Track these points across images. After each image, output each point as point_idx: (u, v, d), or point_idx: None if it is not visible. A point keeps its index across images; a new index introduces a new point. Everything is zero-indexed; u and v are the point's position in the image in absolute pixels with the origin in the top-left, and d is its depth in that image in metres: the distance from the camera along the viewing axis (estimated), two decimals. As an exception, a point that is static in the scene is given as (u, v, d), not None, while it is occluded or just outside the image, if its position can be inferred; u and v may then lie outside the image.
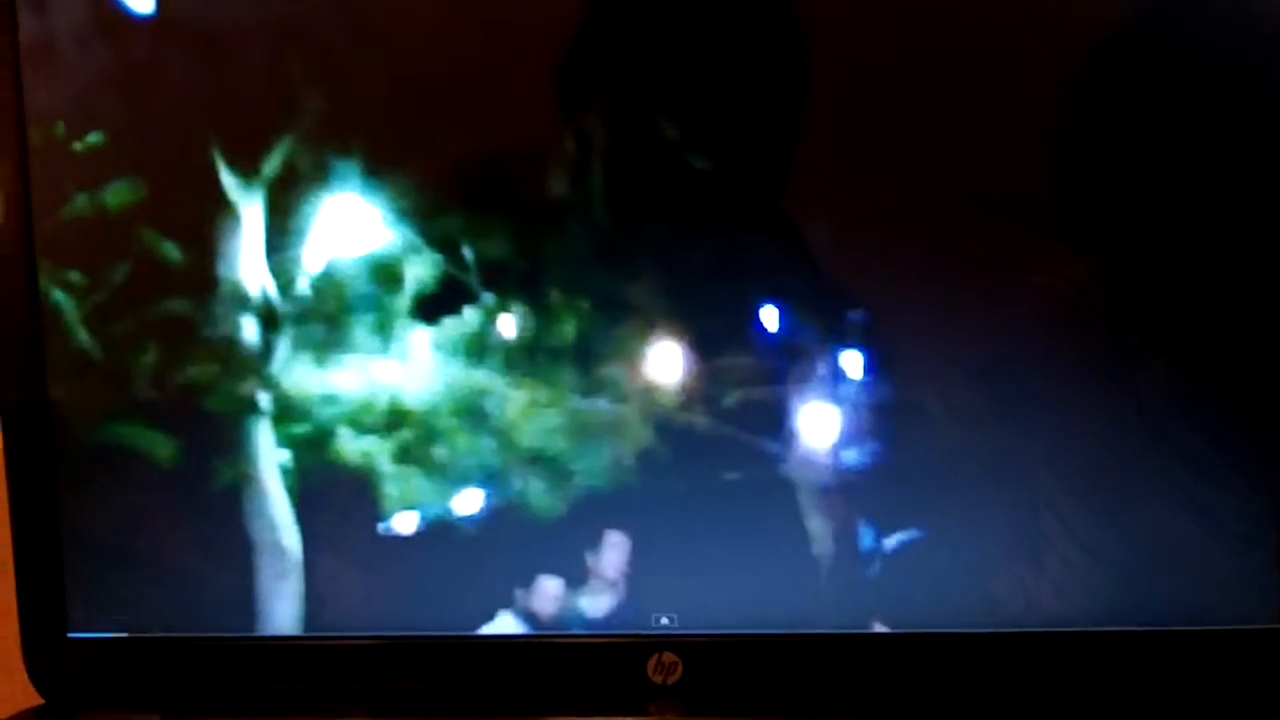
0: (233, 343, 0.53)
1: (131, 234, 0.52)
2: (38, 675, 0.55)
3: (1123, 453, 0.53)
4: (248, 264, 0.52)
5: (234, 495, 0.53)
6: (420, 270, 0.52)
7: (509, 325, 0.52)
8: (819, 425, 0.53)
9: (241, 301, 0.52)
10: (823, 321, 0.53)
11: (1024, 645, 0.54)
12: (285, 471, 0.53)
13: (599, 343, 0.52)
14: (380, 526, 0.54)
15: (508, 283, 0.52)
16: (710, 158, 0.52)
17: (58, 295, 0.52)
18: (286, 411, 0.53)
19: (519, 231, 0.52)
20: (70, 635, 0.54)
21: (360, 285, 0.52)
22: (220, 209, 0.52)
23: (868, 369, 0.53)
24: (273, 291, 0.53)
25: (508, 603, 0.54)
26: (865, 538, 0.54)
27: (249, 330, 0.53)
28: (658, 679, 0.54)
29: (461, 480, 0.53)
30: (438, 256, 0.52)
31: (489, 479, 0.53)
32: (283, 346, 0.53)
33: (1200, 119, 0.51)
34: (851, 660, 0.54)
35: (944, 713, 0.54)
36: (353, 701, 0.55)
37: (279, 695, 0.55)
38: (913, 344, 0.53)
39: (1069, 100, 0.51)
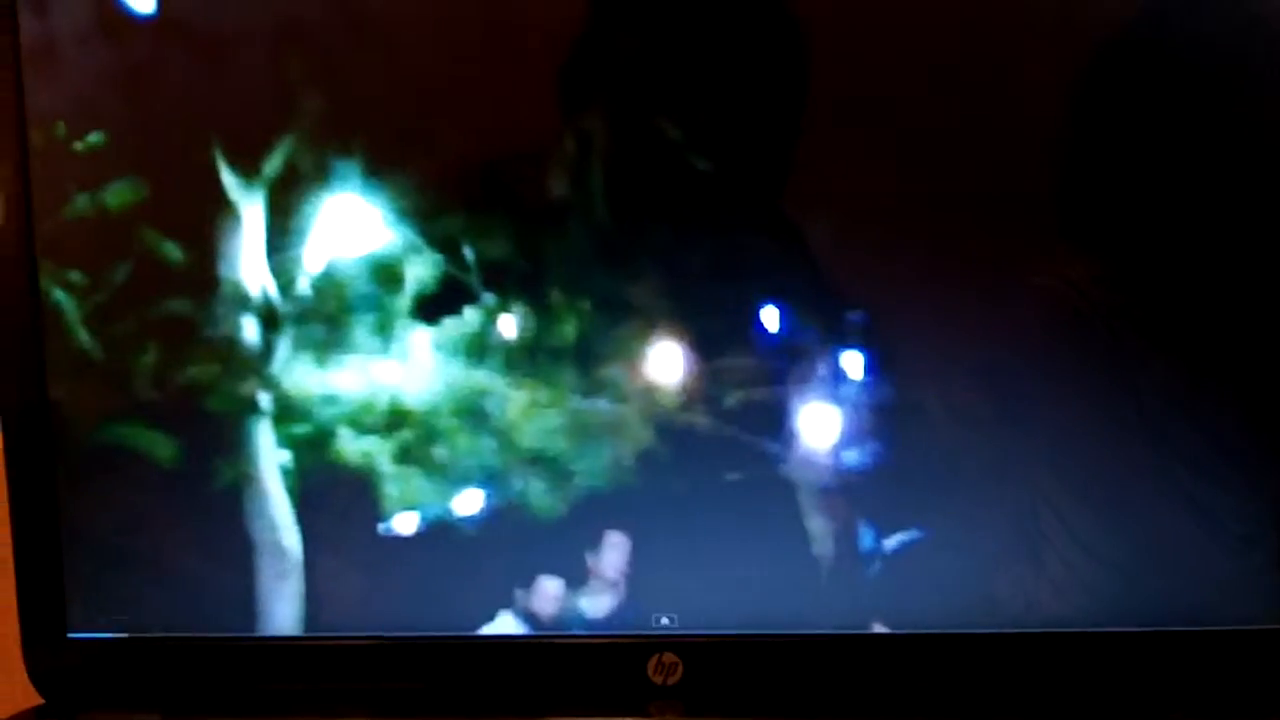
0: (233, 343, 0.53)
1: (132, 234, 0.52)
2: (38, 675, 0.55)
3: (1123, 453, 0.53)
4: (248, 264, 0.53)
5: (234, 495, 0.54)
6: (421, 270, 0.52)
7: (509, 325, 0.53)
8: (819, 426, 0.53)
9: (242, 301, 0.53)
10: (823, 322, 0.53)
11: (1024, 646, 0.54)
12: (285, 472, 0.53)
13: (599, 343, 0.53)
14: (380, 527, 0.54)
15: (508, 283, 0.53)
16: (711, 158, 0.52)
17: (58, 295, 0.53)
18: (287, 412, 0.53)
19: (520, 232, 0.52)
20: (70, 635, 0.55)
21: (361, 285, 0.53)
22: (221, 209, 0.52)
23: (868, 369, 0.53)
24: (273, 291, 0.53)
25: (508, 603, 0.54)
26: (865, 538, 0.54)
27: (249, 330, 0.53)
28: (658, 679, 0.54)
29: (462, 480, 0.54)
30: (438, 257, 0.52)
31: (489, 479, 0.54)
32: (283, 347, 0.53)
33: (1201, 120, 0.52)
34: (851, 661, 0.54)
35: (944, 714, 0.54)
36: (353, 702, 0.55)
37: (279, 695, 0.55)
38: (913, 344, 0.53)
39: (1069, 100, 0.52)
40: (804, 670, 0.54)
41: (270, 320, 0.53)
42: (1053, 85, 0.52)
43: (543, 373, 0.53)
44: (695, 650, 0.54)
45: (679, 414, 0.53)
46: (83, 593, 0.54)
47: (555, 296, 0.52)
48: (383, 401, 0.53)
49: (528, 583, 0.54)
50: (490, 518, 0.54)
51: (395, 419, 0.53)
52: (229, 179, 0.52)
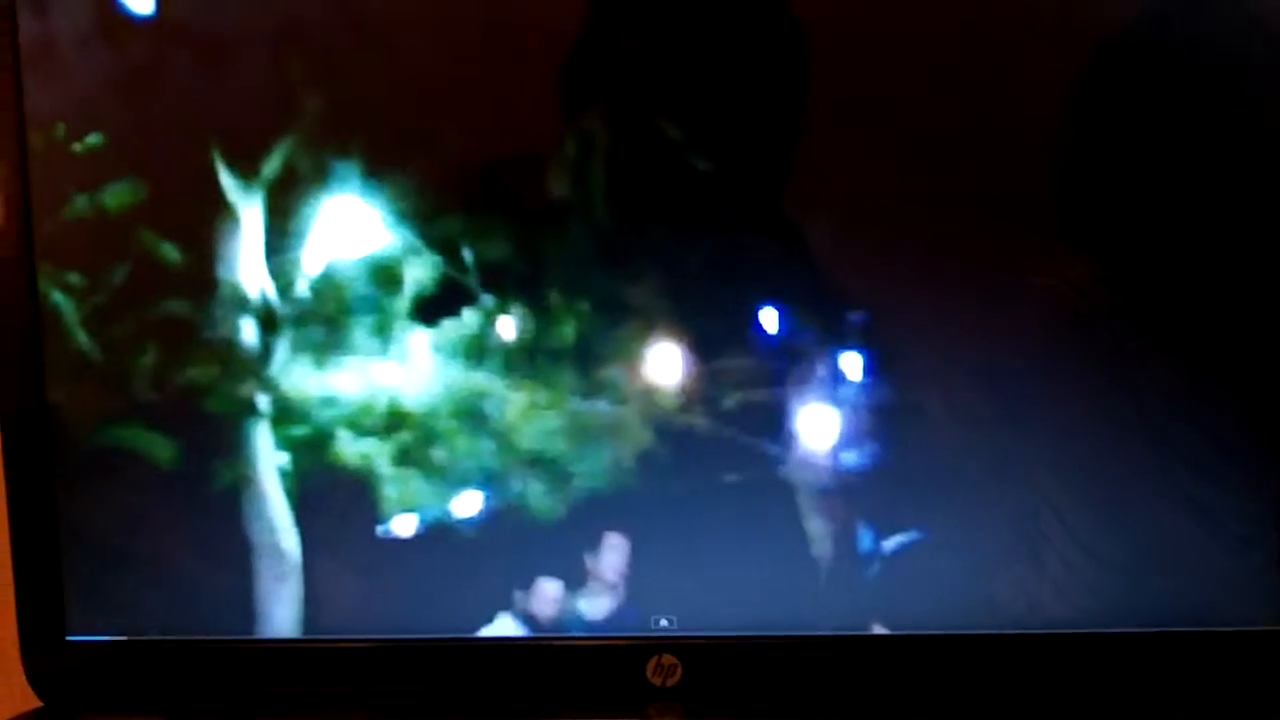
0: (232, 345, 0.53)
1: (131, 235, 0.53)
2: (36, 678, 0.55)
3: (1123, 453, 0.54)
4: (247, 266, 0.53)
5: (233, 497, 0.54)
6: (420, 272, 0.53)
7: (508, 327, 0.53)
8: (819, 427, 0.54)
9: (241, 303, 0.53)
10: (823, 323, 0.53)
11: (1024, 646, 0.54)
12: (284, 474, 0.54)
13: (599, 344, 0.53)
14: (379, 529, 0.54)
15: (507, 284, 0.53)
16: (711, 158, 0.52)
17: (57, 297, 0.53)
18: (286, 413, 0.54)
19: (519, 233, 0.53)
20: (69, 638, 0.55)
21: (360, 287, 0.53)
22: (220, 211, 0.53)
23: (868, 370, 0.53)
24: (272, 293, 0.53)
25: (507, 605, 0.55)
26: (864, 540, 0.54)
27: (248, 332, 0.53)
28: (657, 681, 0.55)
29: (461, 482, 0.54)
30: (437, 258, 0.53)
31: (488, 481, 0.54)
32: (282, 348, 0.53)
33: (1201, 120, 0.52)
34: (851, 662, 0.55)
35: (943, 715, 0.54)
36: (352, 704, 0.55)
37: (278, 698, 0.55)
38: (913, 345, 0.54)
39: (1069, 101, 0.52)
40: (803, 672, 0.55)
41: (269, 322, 0.53)
42: (1053, 85, 0.52)
43: (542, 374, 0.53)
44: (694, 652, 0.55)
45: (678, 415, 0.54)
46: (81, 595, 0.55)
47: (554, 298, 0.53)
48: (381, 403, 0.54)
49: (527, 584, 0.55)
50: (489, 519, 0.54)
51: (394, 421, 0.54)
52: (228, 181, 0.52)
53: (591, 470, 0.54)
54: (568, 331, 0.53)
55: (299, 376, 0.54)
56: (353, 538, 0.55)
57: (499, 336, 0.53)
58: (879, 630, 0.55)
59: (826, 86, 0.52)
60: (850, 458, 0.54)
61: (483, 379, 0.53)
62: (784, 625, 0.55)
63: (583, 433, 0.54)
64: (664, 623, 0.55)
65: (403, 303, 0.53)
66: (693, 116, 0.52)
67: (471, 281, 0.53)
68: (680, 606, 0.55)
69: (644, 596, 0.55)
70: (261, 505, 0.54)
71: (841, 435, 0.54)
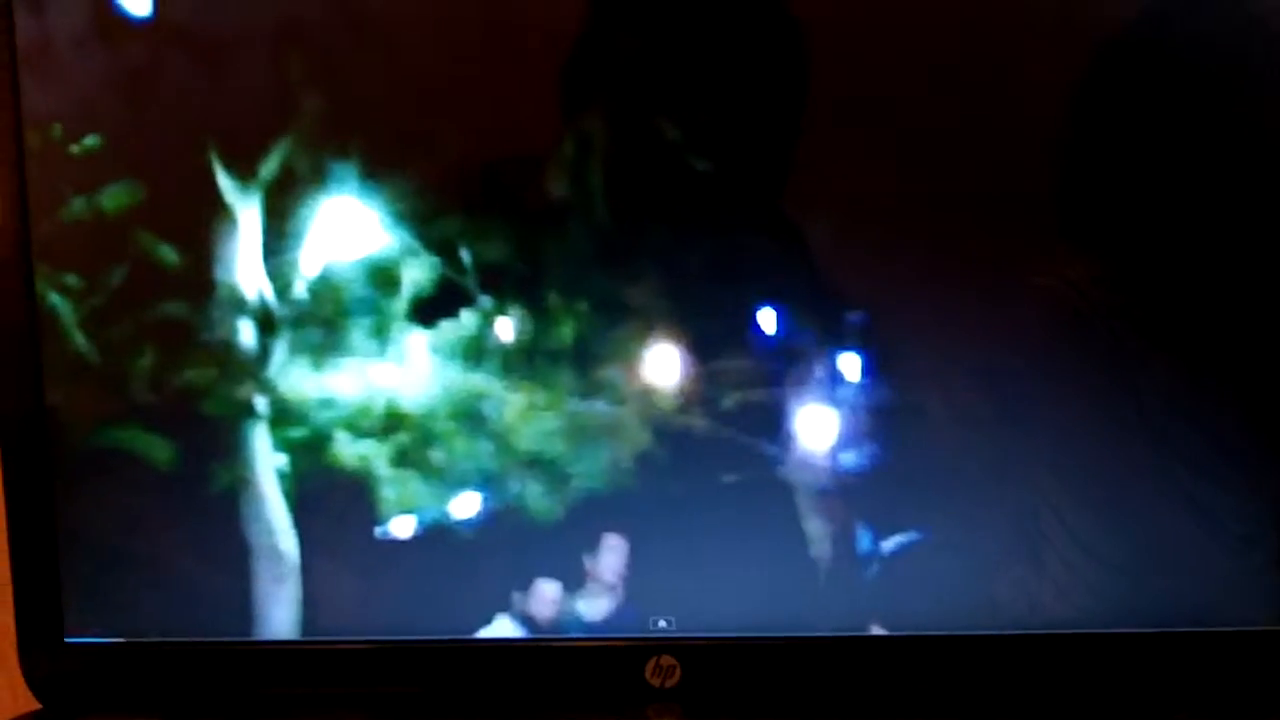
0: (230, 346, 0.53)
1: (128, 237, 0.53)
2: (34, 680, 0.56)
3: (1123, 453, 0.54)
4: (245, 267, 0.53)
5: (231, 499, 0.54)
6: (418, 273, 0.53)
7: (507, 328, 0.53)
8: (818, 427, 0.54)
9: (239, 305, 0.53)
10: (823, 323, 0.54)
11: (1023, 647, 0.55)
12: (282, 475, 0.54)
13: (597, 345, 0.53)
14: (378, 530, 0.55)
15: (506, 285, 0.53)
16: (710, 158, 0.53)
17: (54, 299, 0.53)
18: (283, 415, 0.54)
19: (518, 234, 0.53)
20: (67, 640, 0.55)
21: (357, 288, 0.53)
22: (217, 212, 0.53)
23: (867, 370, 0.54)
24: (270, 295, 0.53)
25: (505, 606, 0.55)
26: (863, 540, 0.55)
27: (246, 334, 0.53)
28: (656, 682, 0.55)
29: (459, 484, 0.54)
30: (435, 259, 0.53)
31: (487, 482, 0.54)
32: (280, 350, 0.54)
33: (1201, 120, 0.52)
34: (850, 663, 0.55)
35: (943, 715, 0.55)
36: (350, 706, 0.55)
37: (277, 700, 0.55)
38: (913, 345, 0.54)
39: (1069, 101, 0.52)
40: (802, 673, 0.55)
41: (267, 324, 0.53)
42: (1053, 85, 0.52)
43: (540, 375, 0.53)
44: (693, 653, 0.55)
45: (677, 416, 0.54)
46: (79, 597, 0.55)
47: (553, 298, 0.53)
48: (379, 405, 0.54)
49: (525, 586, 0.55)
50: (488, 521, 0.54)
51: (392, 422, 0.54)
52: (225, 182, 0.53)
53: (590, 471, 0.54)
54: (566, 332, 0.53)
55: (297, 378, 0.54)
56: (351, 539, 0.55)
57: (497, 338, 0.53)
58: (878, 631, 0.55)
59: (826, 86, 0.52)
60: (849, 458, 0.54)
61: (481, 380, 0.54)
62: (783, 626, 0.55)
63: (581, 434, 0.54)
64: (663, 624, 0.55)
65: (401, 304, 0.53)
66: (692, 117, 0.52)
67: (470, 282, 0.53)
68: (679, 607, 0.55)
69: (643, 597, 0.55)
70: (260, 507, 0.54)
71: (841, 436, 0.54)
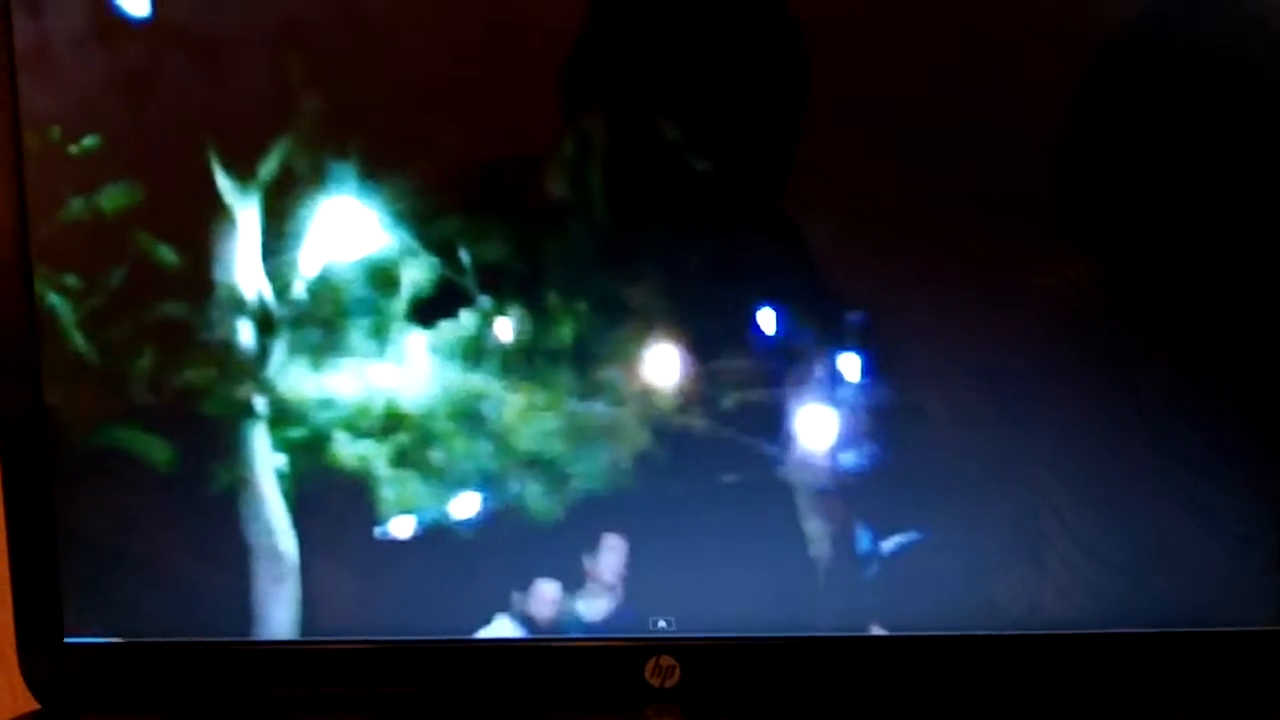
0: (229, 346, 0.54)
1: (127, 237, 0.53)
2: (33, 680, 0.56)
3: (1123, 453, 0.54)
4: (244, 268, 0.53)
5: (230, 499, 0.54)
6: (417, 273, 0.53)
7: (506, 328, 0.53)
8: (817, 427, 0.54)
9: (238, 305, 0.53)
10: (823, 323, 0.54)
11: (1023, 647, 0.55)
12: (281, 475, 0.54)
13: (597, 345, 0.54)
14: (377, 530, 0.55)
15: (505, 285, 0.53)
16: (710, 158, 0.53)
17: (53, 299, 0.53)
18: (283, 415, 0.54)
19: (517, 234, 0.53)
20: (66, 640, 0.55)
21: (357, 289, 0.53)
22: (216, 212, 0.53)
23: (867, 371, 0.54)
24: (269, 295, 0.53)
25: (505, 606, 0.55)
26: (863, 540, 0.55)
27: (245, 334, 0.54)
28: (655, 682, 0.55)
29: (458, 484, 0.54)
30: (434, 259, 0.53)
31: (486, 482, 0.54)
32: (279, 350, 0.54)
33: (1201, 121, 0.53)
34: (849, 663, 0.55)
35: (942, 716, 0.55)
36: (350, 706, 0.56)
37: (276, 700, 0.56)
38: (913, 345, 0.54)
39: (1069, 101, 0.53)
40: (802, 673, 0.55)
41: (266, 324, 0.54)
42: (1053, 85, 0.53)
43: (540, 375, 0.54)
44: (693, 653, 0.55)
45: (676, 416, 0.54)
46: (79, 597, 0.55)
47: (552, 299, 0.53)
48: (379, 405, 0.54)
49: (525, 586, 0.55)
50: (487, 521, 0.55)
51: (391, 422, 0.54)
52: (224, 182, 0.53)
53: (589, 471, 0.54)
54: (566, 332, 0.53)
55: (296, 378, 0.54)
56: (350, 539, 0.55)
57: (496, 338, 0.54)
58: (877, 631, 0.55)
59: (826, 86, 0.52)
60: (849, 458, 0.54)
61: (480, 380, 0.54)
62: (782, 626, 0.55)
63: (581, 434, 0.54)
64: (662, 624, 0.55)
65: (400, 304, 0.54)
66: (692, 117, 0.52)
67: (469, 283, 0.53)
68: (678, 607, 0.55)
69: (642, 597, 0.55)
70: (259, 507, 0.54)
71: (840, 436, 0.54)
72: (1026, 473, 0.55)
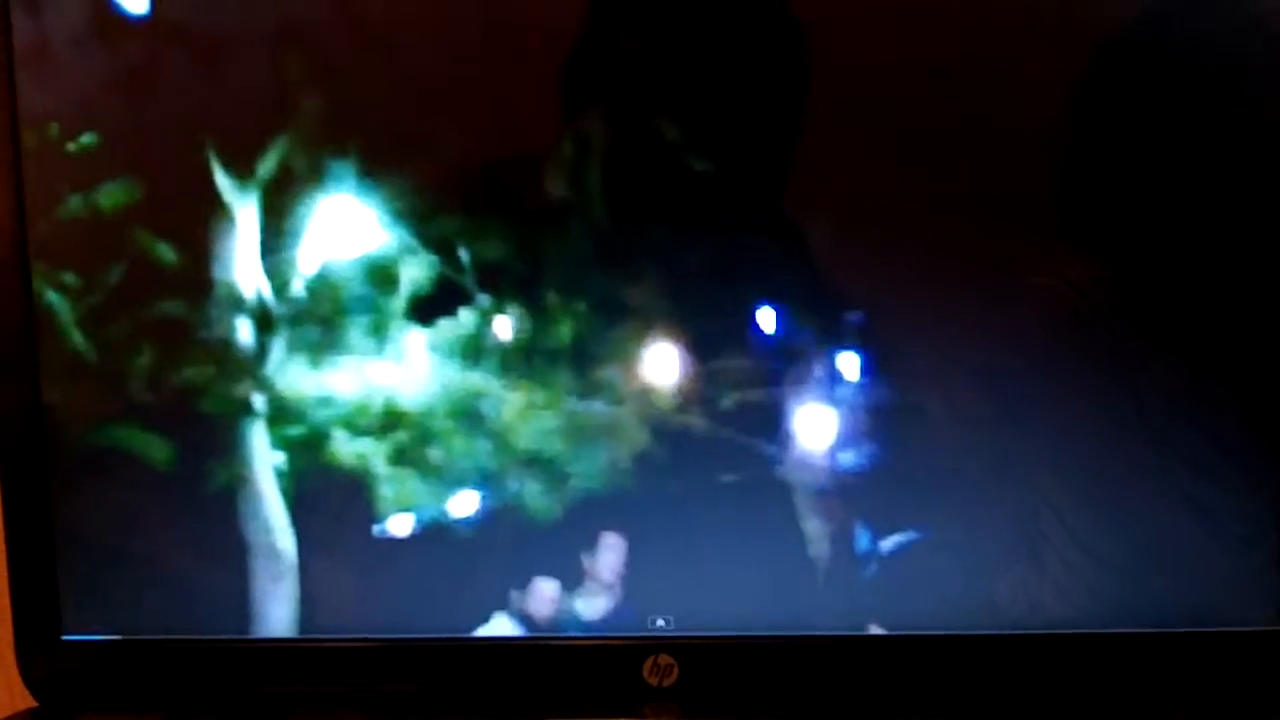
0: (228, 345, 0.54)
1: (126, 235, 0.53)
2: (31, 678, 0.56)
3: (1123, 453, 0.55)
4: (243, 266, 0.54)
5: (229, 497, 0.55)
6: (416, 272, 0.53)
7: (505, 327, 0.54)
8: (817, 427, 0.55)
9: (236, 303, 0.54)
10: (822, 323, 0.54)
11: (1021, 647, 0.55)
12: (280, 474, 0.55)
13: (596, 344, 0.54)
14: (375, 528, 0.55)
15: (504, 284, 0.54)
16: (710, 158, 0.53)
17: (52, 297, 0.53)
18: (281, 413, 0.54)
19: (516, 233, 0.53)
20: (64, 638, 0.56)
21: (355, 287, 0.54)
22: (215, 210, 0.53)
23: (866, 370, 0.54)
24: (268, 293, 0.54)
25: (503, 605, 0.56)
26: (862, 540, 0.55)
27: (244, 332, 0.54)
28: (654, 681, 0.56)
29: (457, 482, 0.55)
30: (433, 258, 0.53)
31: (485, 481, 0.55)
32: (278, 348, 0.54)
33: (1201, 121, 0.53)
34: (847, 662, 0.56)
35: (941, 715, 0.55)
36: (348, 704, 0.56)
37: (274, 698, 0.56)
38: (913, 345, 0.55)
39: (1069, 101, 0.53)
40: (800, 672, 0.56)
41: (265, 322, 0.54)
42: (1053, 85, 0.53)
43: (539, 374, 0.54)
44: (691, 652, 0.56)
45: (675, 416, 0.54)
46: (77, 595, 0.55)
47: (551, 298, 0.54)
48: (377, 403, 0.54)
49: (523, 584, 0.56)
50: (486, 519, 0.55)
51: (390, 421, 0.54)
52: (223, 180, 0.53)
53: (588, 470, 0.55)
54: (565, 331, 0.54)
55: (295, 376, 0.54)
56: (349, 537, 0.55)
57: (495, 336, 0.54)
58: (876, 630, 0.56)
59: (826, 86, 0.53)
60: (848, 458, 0.55)
61: (479, 379, 0.54)
62: (781, 625, 0.56)
63: (580, 433, 0.54)
64: (661, 623, 0.56)
65: (399, 302, 0.54)
66: (691, 117, 0.53)
67: (468, 281, 0.54)
68: (677, 606, 0.56)
69: (641, 596, 0.56)
70: (257, 505, 0.55)
71: (839, 435, 0.55)
72: (1026, 473, 0.55)
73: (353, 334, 0.54)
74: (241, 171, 0.53)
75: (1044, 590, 0.55)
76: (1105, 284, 0.54)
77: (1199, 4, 0.53)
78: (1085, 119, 0.53)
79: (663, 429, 0.55)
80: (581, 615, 0.56)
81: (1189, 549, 0.55)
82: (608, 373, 0.54)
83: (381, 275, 0.54)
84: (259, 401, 0.54)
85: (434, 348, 0.54)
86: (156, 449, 0.55)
